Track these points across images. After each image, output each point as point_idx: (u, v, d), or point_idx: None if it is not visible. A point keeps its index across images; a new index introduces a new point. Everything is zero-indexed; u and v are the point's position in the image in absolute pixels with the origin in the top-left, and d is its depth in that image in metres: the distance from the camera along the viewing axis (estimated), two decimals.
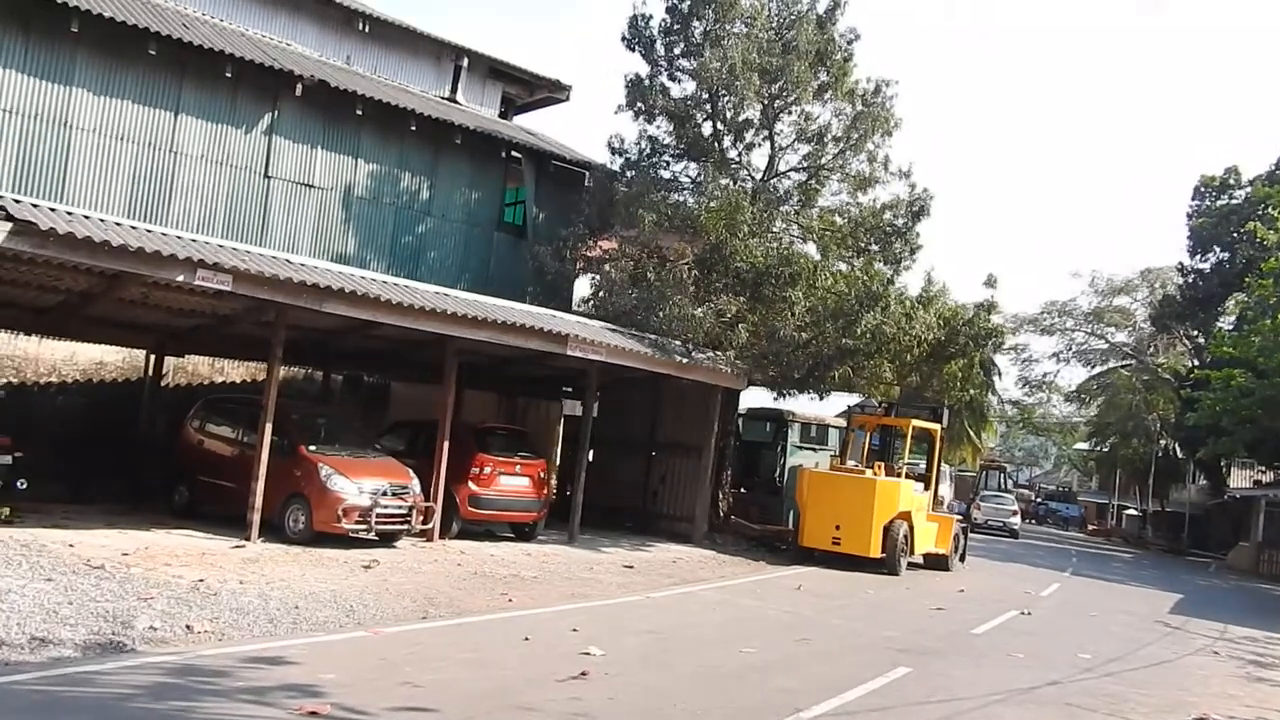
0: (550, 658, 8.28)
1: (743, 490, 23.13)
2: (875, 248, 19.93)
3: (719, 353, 17.70)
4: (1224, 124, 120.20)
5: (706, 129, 21.20)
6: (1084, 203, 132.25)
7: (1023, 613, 15.37)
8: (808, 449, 23.07)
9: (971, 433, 58.74)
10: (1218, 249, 46.46)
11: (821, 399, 21.10)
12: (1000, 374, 61.48)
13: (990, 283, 19.74)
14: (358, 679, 6.91)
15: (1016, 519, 41.87)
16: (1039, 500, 74.53)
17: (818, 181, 21.07)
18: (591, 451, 22.44)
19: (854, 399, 23.11)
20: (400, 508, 13.87)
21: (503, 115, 24.54)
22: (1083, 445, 73.64)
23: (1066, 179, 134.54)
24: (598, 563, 15.26)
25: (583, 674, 7.69)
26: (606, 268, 17.86)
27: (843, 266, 20.35)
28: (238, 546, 12.44)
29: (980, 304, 19.56)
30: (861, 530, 18.34)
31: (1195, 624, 17.30)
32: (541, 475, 16.56)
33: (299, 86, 18.01)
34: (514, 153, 21.64)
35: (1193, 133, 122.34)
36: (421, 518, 14.28)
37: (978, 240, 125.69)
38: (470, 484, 15.66)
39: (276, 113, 18.26)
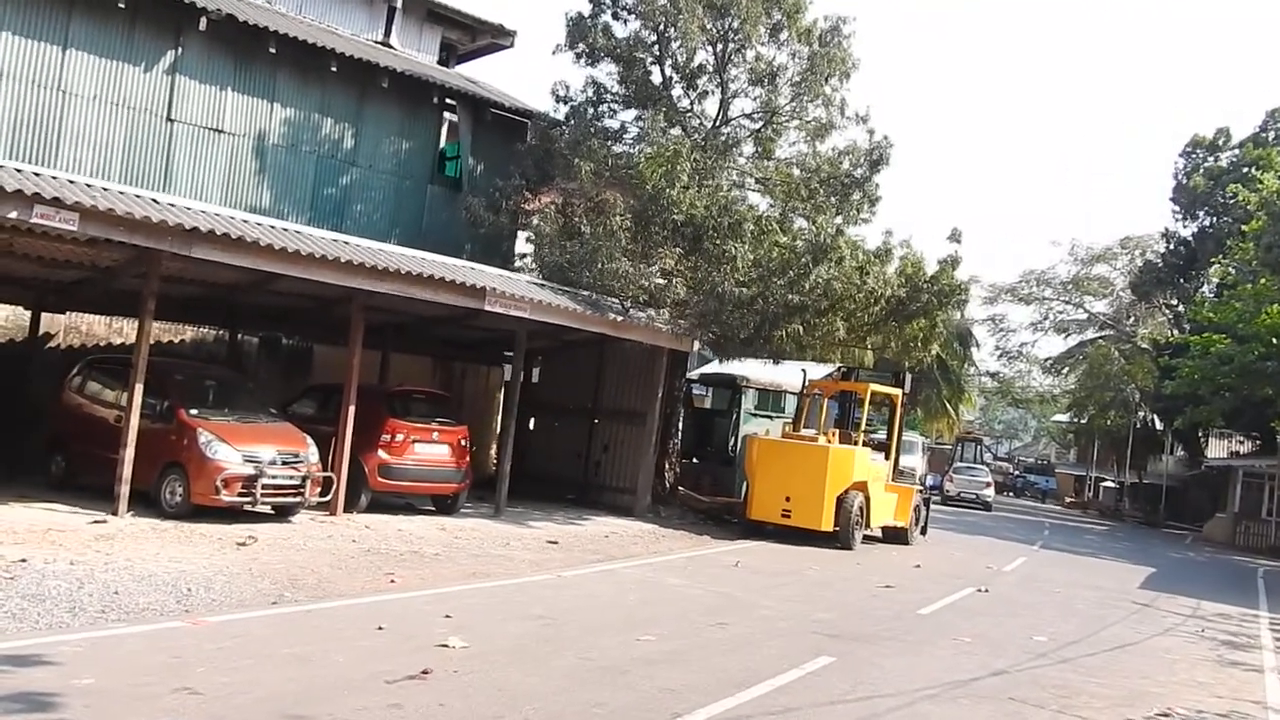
0: (397, 652, 6.99)
1: (694, 460, 21.91)
2: (833, 200, 18.60)
3: (658, 311, 16.36)
4: (1217, 88, 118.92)
5: (656, 77, 19.85)
6: (1068, 170, 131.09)
7: (980, 590, 14.19)
8: (764, 416, 21.83)
9: (949, 405, 57.87)
10: (1203, 213, 45.32)
11: (776, 363, 19.80)
12: (978, 344, 60.60)
13: (955, 237, 18.43)
14: (121, 684, 5.60)
15: (990, 491, 40.78)
16: (1017, 473, 73.64)
17: (774, 130, 19.73)
18: (532, 420, 21.31)
19: (820, 368, 21.78)
20: (292, 478, 12.51)
21: (442, 63, 23.00)
22: (1061, 417, 72.95)
23: (1051, 145, 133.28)
24: (519, 538, 13.98)
25: (424, 673, 6.41)
26: (535, 220, 16.44)
27: (802, 222, 19.04)
28: (97, 522, 11.07)
29: (944, 259, 18.25)
30: (813, 502, 17.12)
31: (1166, 600, 16.23)
32: (463, 443, 15.21)
33: (203, 20, 16.51)
34: (449, 100, 20.23)
35: (1185, 98, 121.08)
36: (318, 489, 12.93)
37: (958, 211, 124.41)
38: (380, 452, 14.31)
39: (180, 50, 16.75)
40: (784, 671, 7.57)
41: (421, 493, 15.36)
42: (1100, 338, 58.59)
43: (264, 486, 12.10)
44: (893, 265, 18.00)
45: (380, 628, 7.61)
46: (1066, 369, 61.62)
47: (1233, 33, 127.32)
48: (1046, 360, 62.20)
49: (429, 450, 14.82)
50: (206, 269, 12.83)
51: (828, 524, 17.14)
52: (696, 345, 18.11)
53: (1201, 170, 45.46)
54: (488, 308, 14.22)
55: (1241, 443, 47.60)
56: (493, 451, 21.58)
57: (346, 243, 13.49)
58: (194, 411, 12.42)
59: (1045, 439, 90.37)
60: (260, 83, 17.69)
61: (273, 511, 12.94)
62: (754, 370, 22.19)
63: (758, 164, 19.98)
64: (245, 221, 12.17)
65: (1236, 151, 44.87)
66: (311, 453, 12.86)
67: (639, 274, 15.87)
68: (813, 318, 16.27)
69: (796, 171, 19.25)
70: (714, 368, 23.52)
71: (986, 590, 14.24)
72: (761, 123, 19.51)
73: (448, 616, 8.27)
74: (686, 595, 11.01)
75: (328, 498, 13.23)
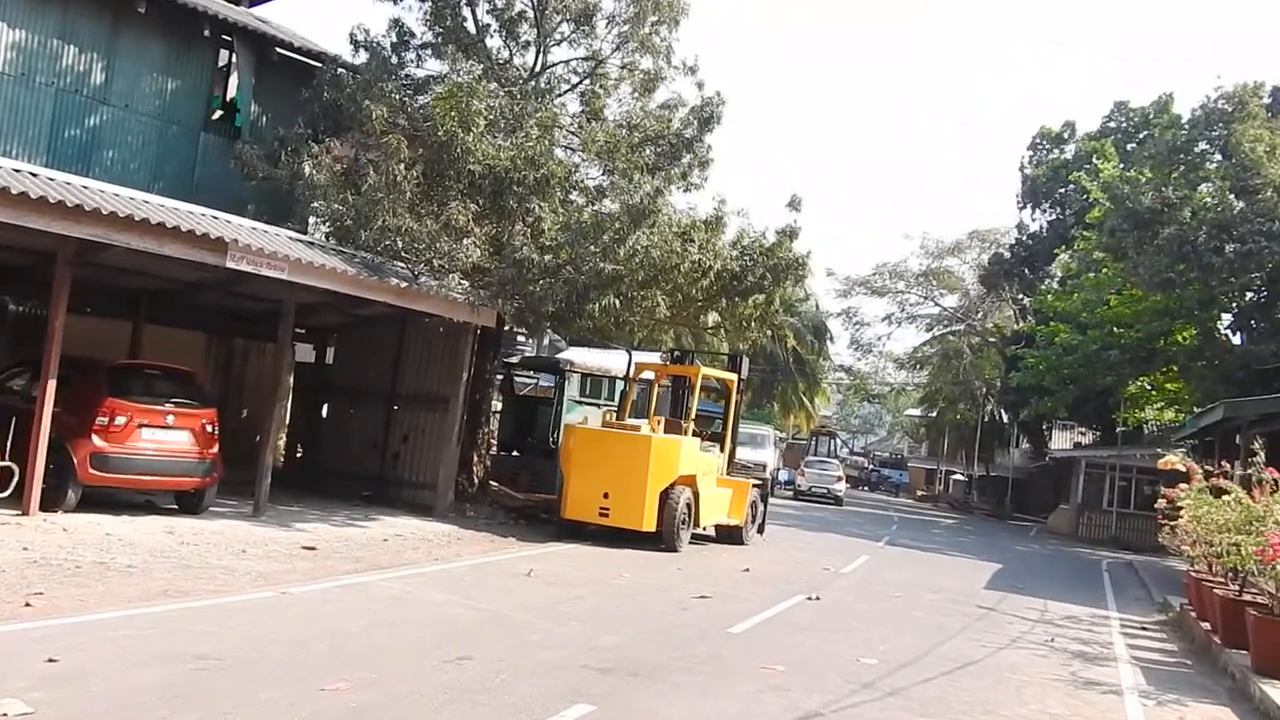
0: None
1: (514, 453, 19.74)
2: (662, 161, 16.66)
3: (455, 279, 14.07)
4: (1070, 83, 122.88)
5: (473, 25, 17.59)
6: (923, 163, 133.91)
7: (810, 598, 12.44)
8: (591, 405, 19.81)
9: (805, 399, 57.32)
10: (1047, 205, 45.66)
11: (608, 346, 17.81)
12: (833, 338, 60.27)
13: (794, 205, 16.71)
14: None
15: (841, 485, 39.82)
16: (872, 467, 74.15)
17: (601, 86, 17.66)
18: (325, 406, 18.80)
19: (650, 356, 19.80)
20: None
21: (236, 3, 20.11)
22: (914, 411, 73.81)
23: (906, 137, 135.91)
24: (267, 543, 11.52)
25: None
26: (308, 169, 13.94)
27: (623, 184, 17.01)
28: None
29: (782, 230, 16.53)
30: (633, 498, 15.15)
31: (1012, 602, 14.90)
32: (208, 429, 12.61)
33: None
34: (227, 36, 17.42)
35: (1041, 92, 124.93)
36: None
37: (810, 202, 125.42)
38: (94, 438, 11.59)
39: None
40: None
41: (154, 488, 12.68)
42: (951, 332, 59.03)
43: None
44: (725, 236, 16.20)
45: None
46: (917, 363, 61.93)
47: (1085, 28, 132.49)
48: (900, 356, 62.48)
49: (162, 437, 12.16)
50: None
51: (650, 523, 15.20)
52: (509, 324, 15.87)
53: (1047, 161, 45.78)
54: (230, 264, 11.71)
55: (1083, 434, 48.34)
56: (280, 440, 18.95)
57: (34, 175, 10.76)
58: None
59: (900, 433, 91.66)
60: None
61: None
62: (580, 354, 20.18)
63: (585, 125, 17.88)
64: None
65: (1078, 145, 45.34)
66: None
67: (427, 233, 13.52)
68: (631, 290, 14.23)
69: (624, 131, 17.21)
70: (573, 354, 21.34)
71: (818, 598, 12.51)
72: (585, 75, 17.45)
73: (51, 660, 5.89)
74: (441, 616, 8.81)
75: (5, 493, 10.49)
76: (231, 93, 18.19)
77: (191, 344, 17.52)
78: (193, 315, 17.27)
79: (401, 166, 13.30)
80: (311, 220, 16.91)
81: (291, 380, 18.82)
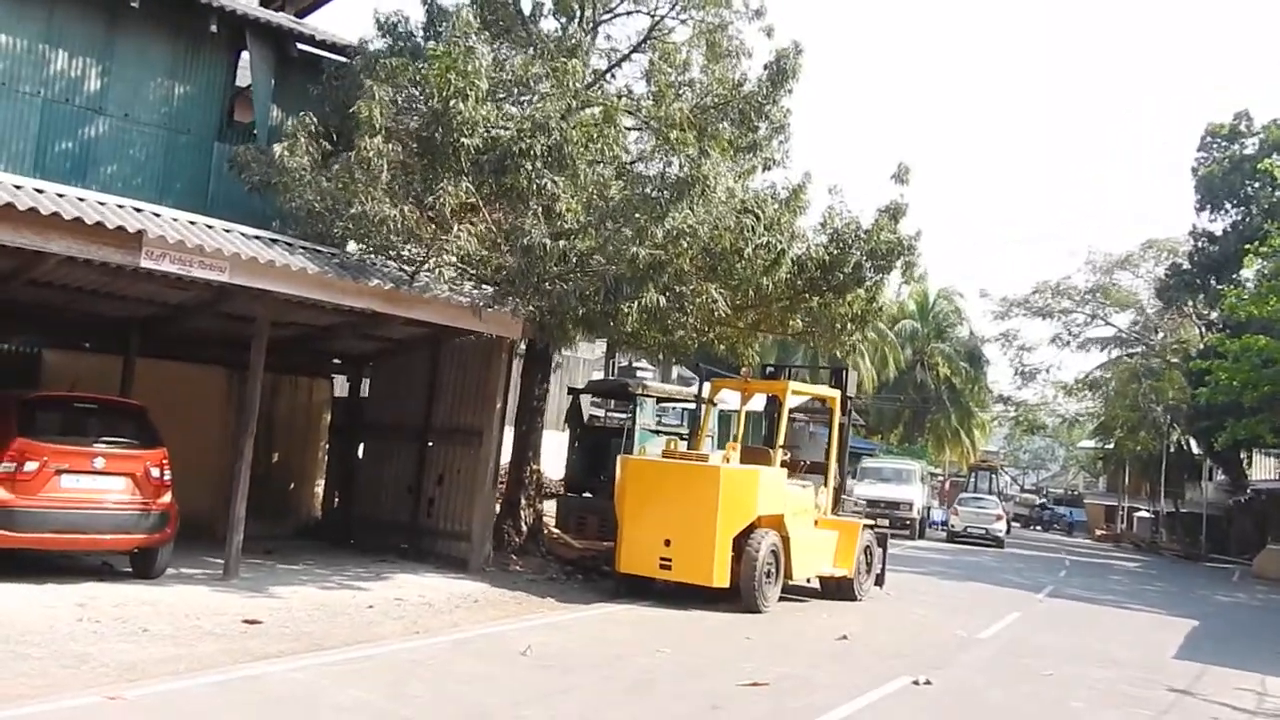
0: None
1: (585, 495, 16.93)
2: (735, 131, 13.65)
3: (458, 279, 11.40)
4: (1230, 74, 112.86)
5: (527, 5, 15.19)
6: (1081, 178, 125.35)
7: (916, 682, 9.02)
8: (672, 435, 16.81)
9: (961, 431, 52.44)
10: (1229, 205, 40.11)
11: (670, 362, 14.85)
12: (988, 363, 55.13)
13: (900, 176, 13.37)
14: None
15: (1001, 525, 35.14)
16: (1043, 504, 68.21)
17: (663, 57, 14.82)
18: (361, 446, 16.45)
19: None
20: None
21: (279, 9, 18.39)
22: (1088, 443, 67.36)
23: (1061, 147, 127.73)
24: (193, 618, 8.96)
25: None
26: (279, 152, 11.67)
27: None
28: None
29: (884, 208, 13.23)
30: (699, 546, 12.01)
31: (1215, 678, 11.04)
32: (154, 474, 10.24)
33: None
34: (243, 32, 15.53)
35: (1199, 90, 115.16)
36: None
37: (963, 227, 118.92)
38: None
39: None
40: None
41: (79, 549, 10.36)
42: (1128, 355, 53.17)
43: None
44: (808, 219, 13.10)
45: None
46: (1087, 392, 55.80)
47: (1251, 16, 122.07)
48: (1069, 383, 56.32)
49: (88, 484, 9.83)
50: None
51: (721, 578, 12.00)
52: (530, 331, 12.99)
53: (1223, 158, 40.37)
54: (147, 264, 9.39)
55: None
56: (318, 487, 16.72)
57: None
58: None
59: (1075, 468, 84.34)
60: None
61: None
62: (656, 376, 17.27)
63: (653, 108, 15.04)
64: None
65: (1260, 135, 39.77)
66: None
67: (409, 221, 10.91)
68: (675, 283, 11.18)
69: (688, 99, 14.24)
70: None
71: (928, 682, 9.06)
72: (641, 40, 14.69)
73: None
74: None
75: None
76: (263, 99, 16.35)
77: (210, 380, 15.41)
78: (209, 348, 15.28)
79: (377, 140, 10.76)
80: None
81: (328, 418, 16.59)
